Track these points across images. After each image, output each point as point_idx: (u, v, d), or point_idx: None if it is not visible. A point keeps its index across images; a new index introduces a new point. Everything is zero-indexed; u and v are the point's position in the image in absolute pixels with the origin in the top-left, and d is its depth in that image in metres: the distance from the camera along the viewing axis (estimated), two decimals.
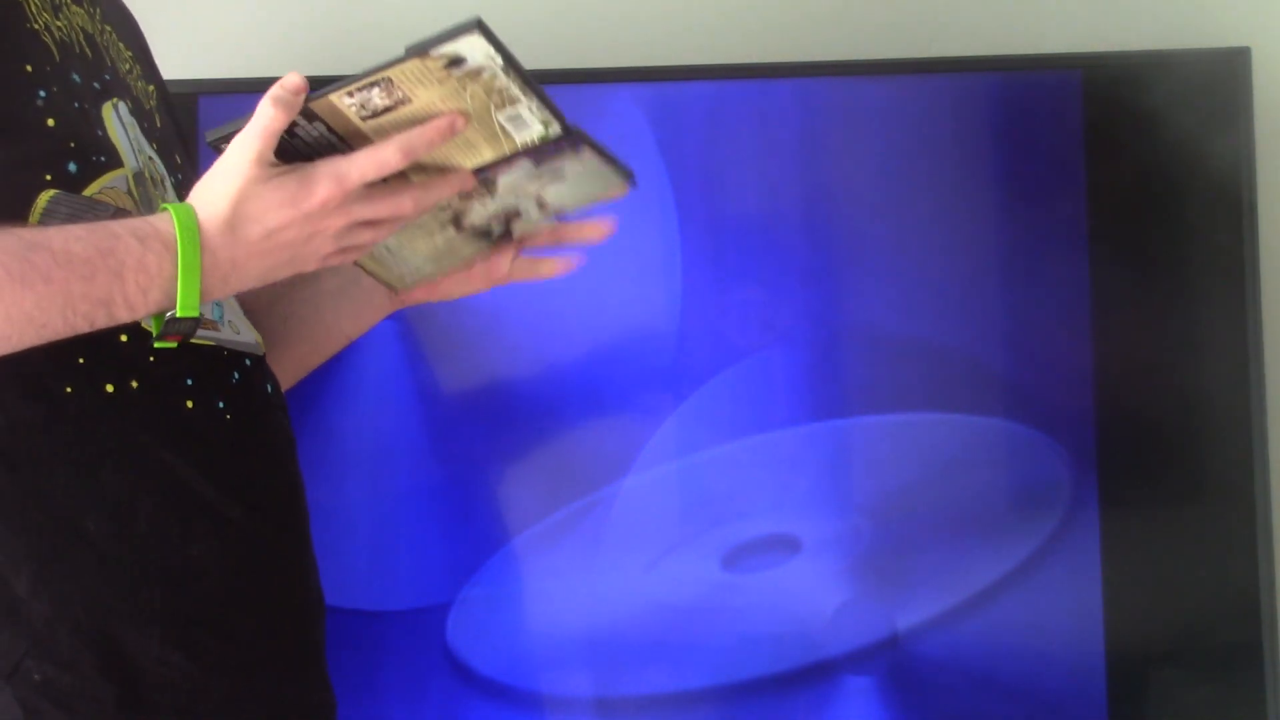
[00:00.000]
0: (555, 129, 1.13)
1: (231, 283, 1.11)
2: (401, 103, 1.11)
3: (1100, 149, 1.72)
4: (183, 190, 1.22)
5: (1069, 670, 1.70)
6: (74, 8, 1.22)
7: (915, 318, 1.72)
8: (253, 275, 1.12)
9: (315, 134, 1.13)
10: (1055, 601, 1.70)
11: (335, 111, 1.12)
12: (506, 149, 1.15)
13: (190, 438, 1.17)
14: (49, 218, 1.10)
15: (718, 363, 1.73)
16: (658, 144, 1.72)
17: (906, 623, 1.71)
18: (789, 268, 1.73)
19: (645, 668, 1.73)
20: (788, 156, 1.74)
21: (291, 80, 1.11)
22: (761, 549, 1.72)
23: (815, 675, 1.71)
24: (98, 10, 1.26)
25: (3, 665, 1.09)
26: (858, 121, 1.74)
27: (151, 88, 1.33)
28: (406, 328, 1.72)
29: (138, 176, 1.18)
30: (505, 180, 1.18)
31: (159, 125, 1.30)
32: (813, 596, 1.71)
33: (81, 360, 1.12)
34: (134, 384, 1.15)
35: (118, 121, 1.20)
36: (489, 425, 1.73)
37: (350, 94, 1.11)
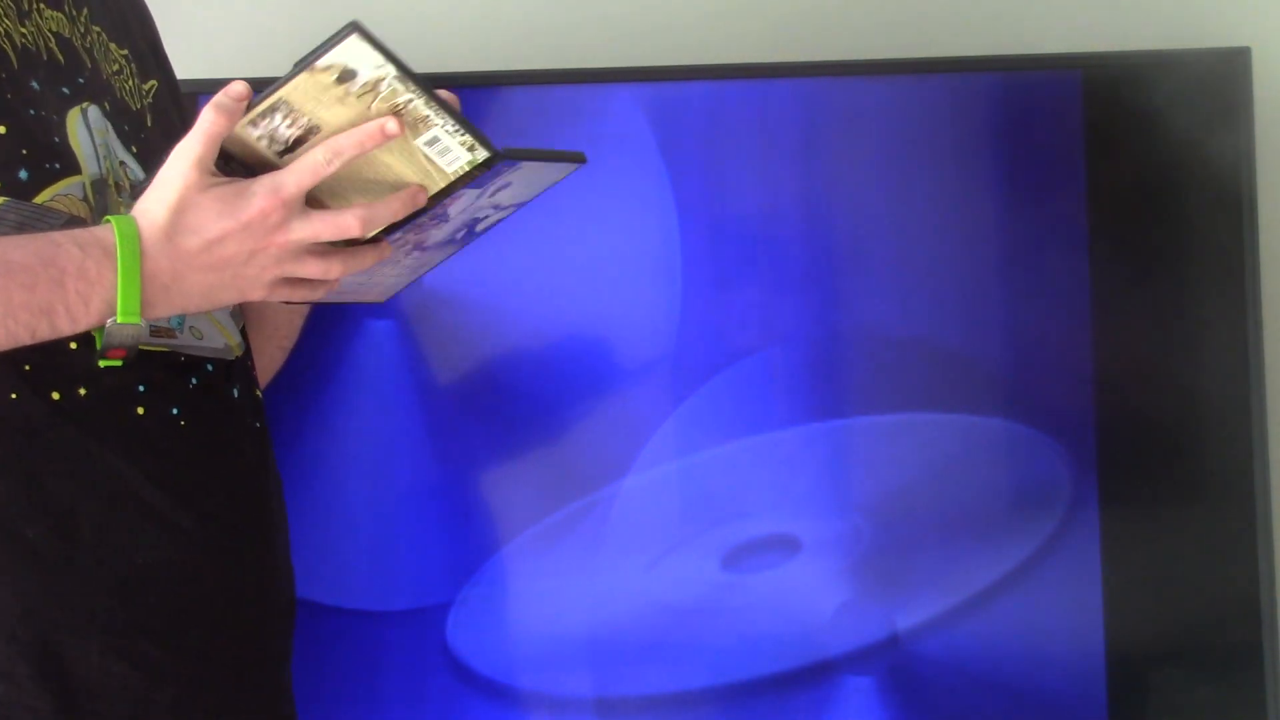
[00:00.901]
0: (481, 153, 1.09)
1: (173, 295, 1.09)
2: (311, 131, 1.09)
3: (1100, 149, 1.72)
4: None
5: (1069, 670, 1.70)
6: (48, 11, 1.20)
7: (915, 318, 1.72)
8: (194, 292, 1.10)
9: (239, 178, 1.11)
10: (1055, 601, 1.70)
11: (246, 146, 1.10)
12: (440, 181, 1.12)
13: (140, 445, 1.16)
14: None
15: (718, 363, 1.72)
16: (658, 144, 1.72)
17: (906, 623, 1.71)
18: (789, 268, 1.73)
19: (645, 668, 1.72)
20: (788, 156, 1.74)
21: (235, 87, 1.09)
22: (761, 549, 1.72)
23: (815, 675, 1.71)
24: (84, 12, 1.25)
25: None
26: (858, 121, 1.74)
27: (149, 85, 1.32)
28: (406, 327, 1.72)
29: (97, 183, 1.17)
30: (456, 208, 1.16)
31: (149, 125, 1.29)
32: (813, 596, 1.71)
33: (28, 367, 1.11)
34: (82, 391, 1.13)
35: (83, 127, 1.18)
36: (489, 425, 1.73)
37: (254, 123, 1.09)
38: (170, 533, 1.16)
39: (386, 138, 1.08)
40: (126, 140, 1.23)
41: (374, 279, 1.22)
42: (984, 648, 1.70)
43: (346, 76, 1.06)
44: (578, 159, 1.19)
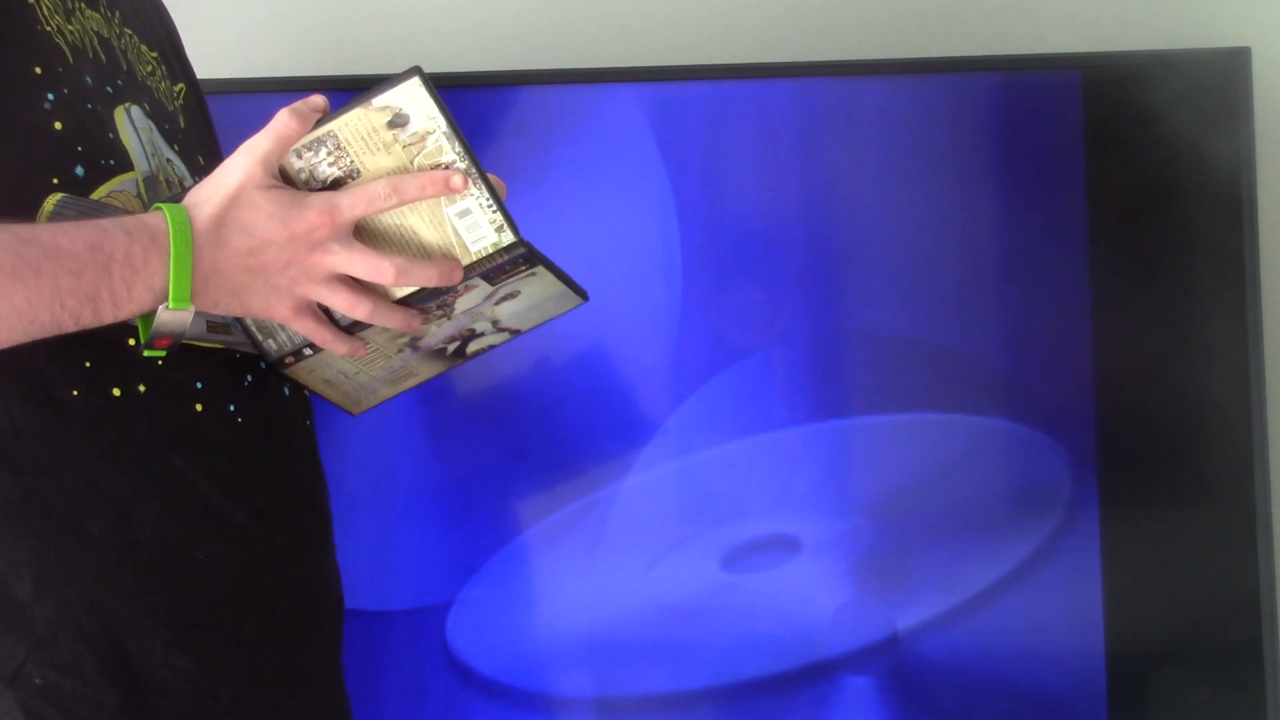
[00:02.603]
0: (508, 236, 1.10)
1: (210, 288, 1.10)
2: (351, 176, 1.10)
3: (1100, 149, 1.72)
4: None
5: (1069, 670, 1.70)
6: (89, 12, 1.21)
7: (915, 318, 1.72)
8: (228, 288, 1.10)
9: None
10: (1055, 601, 1.70)
11: (285, 177, 1.11)
12: (461, 259, 1.12)
13: (198, 442, 1.17)
14: (56, 221, 1.09)
15: (718, 363, 1.73)
16: (658, 144, 1.72)
17: (906, 623, 1.71)
18: (789, 267, 1.73)
19: (645, 668, 1.73)
20: (788, 156, 1.74)
21: (315, 99, 1.11)
22: (761, 549, 1.72)
23: (815, 675, 1.71)
24: (116, 14, 1.26)
25: (4, 670, 1.09)
26: (858, 121, 1.74)
27: (179, 88, 1.32)
28: None
29: (149, 180, 1.18)
30: (462, 302, 1.17)
31: (182, 126, 1.29)
32: (813, 596, 1.71)
33: (88, 364, 1.12)
34: (141, 388, 1.14)
35: (130, 125, 1.19)
36: (490, 425, 1.73)
37: (299, 154, 1.10)
38: (228, 529, 1.17)
39: (449, 190, 1.09)
40: (168, 139, 1.24)
41: (363, 372, 1.23)
42: (984, 648, 1.70)
43: (398, 122, 1.08)
44: (582, 295, 1.21)
